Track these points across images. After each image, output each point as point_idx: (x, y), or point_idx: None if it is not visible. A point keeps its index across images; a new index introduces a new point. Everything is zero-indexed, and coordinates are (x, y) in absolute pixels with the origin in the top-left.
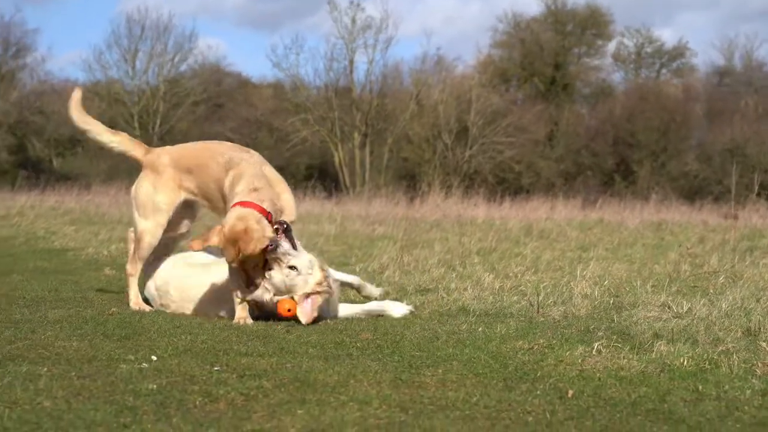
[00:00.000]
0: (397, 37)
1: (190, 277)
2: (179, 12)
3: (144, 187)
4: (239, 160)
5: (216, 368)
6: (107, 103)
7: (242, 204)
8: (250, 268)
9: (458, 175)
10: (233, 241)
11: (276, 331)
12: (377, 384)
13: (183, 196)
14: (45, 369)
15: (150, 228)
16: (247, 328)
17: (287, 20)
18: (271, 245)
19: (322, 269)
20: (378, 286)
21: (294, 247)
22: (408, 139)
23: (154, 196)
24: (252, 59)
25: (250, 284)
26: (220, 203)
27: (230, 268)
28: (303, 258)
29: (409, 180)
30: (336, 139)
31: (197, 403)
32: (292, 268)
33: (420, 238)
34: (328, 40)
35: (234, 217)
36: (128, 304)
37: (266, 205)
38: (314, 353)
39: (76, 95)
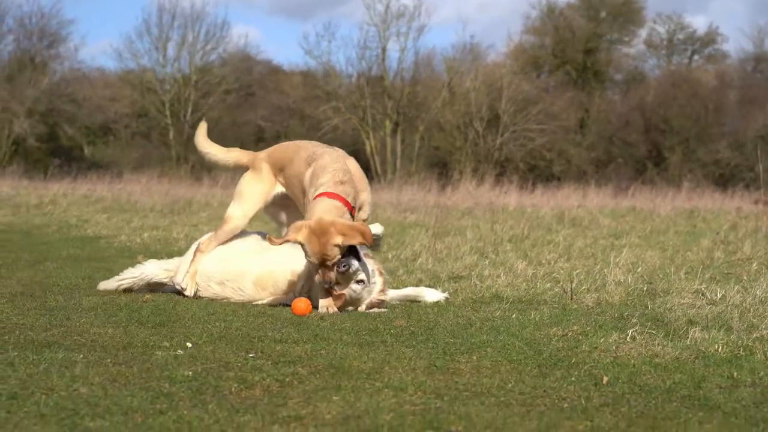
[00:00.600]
0: (430, 25)
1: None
2: (212, 0)
3: (242, 180)
4: (321, 153)
5: (251, 355)
6: (139, 91)
7: (329, 195)
8: (329, 264)
9: (490, 162)
10: (320, 234)
11: (310, 318)
12: (412, 370)
13: (279, 189)
14: (81, 356)
15: (237, 215)
16: (281, 315)
17: (319, 8)
18: (344, 266)
19: (381, 273)
20: (411, 273)
21: (359, 258)
22: (439, 127)
23: (248, 187)
24: (282, 47)
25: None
26: (300, 198)
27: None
28: (369, 270)
29: (440, 168)
30: (367, 127)
31: (233, 389)
32: (359, 282)
33: (452, 226)
34: (361, 27)
35: (321, 210)
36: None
37: (350, 200)
38: (348, 340)
39: (203, 128)
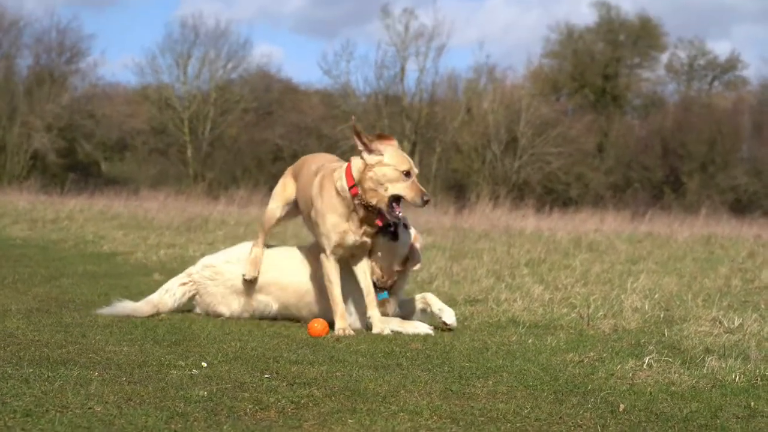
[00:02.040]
0: (449, 46)
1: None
2: (238, 17)
3: (277, 185)
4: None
5: (266, 376)
6: (157, 107)
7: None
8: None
9: (507, 185)
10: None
11: (325, 340)
12: (427, 394)
13: (293, 195)
14: (96, 373)
15: (269, 209)
16: (297, 336)
17: (343, 28)
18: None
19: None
20: None
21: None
22: (457, 149)
23: (276, 189)
24: (303, 66)
25: None
26: (305, 208)
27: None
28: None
29: (457, 190)
30: None
31: (248, 410)
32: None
33: (469, 248)
34: (380, 47)
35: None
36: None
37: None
38: (364, 362)
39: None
